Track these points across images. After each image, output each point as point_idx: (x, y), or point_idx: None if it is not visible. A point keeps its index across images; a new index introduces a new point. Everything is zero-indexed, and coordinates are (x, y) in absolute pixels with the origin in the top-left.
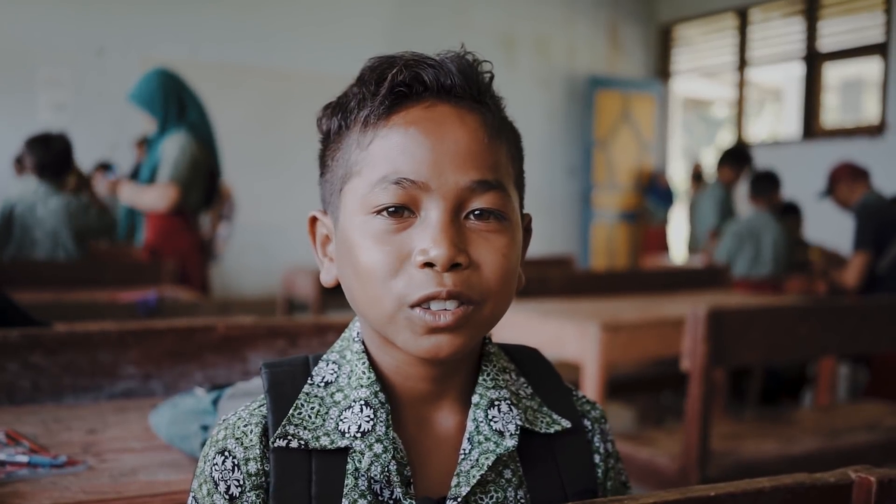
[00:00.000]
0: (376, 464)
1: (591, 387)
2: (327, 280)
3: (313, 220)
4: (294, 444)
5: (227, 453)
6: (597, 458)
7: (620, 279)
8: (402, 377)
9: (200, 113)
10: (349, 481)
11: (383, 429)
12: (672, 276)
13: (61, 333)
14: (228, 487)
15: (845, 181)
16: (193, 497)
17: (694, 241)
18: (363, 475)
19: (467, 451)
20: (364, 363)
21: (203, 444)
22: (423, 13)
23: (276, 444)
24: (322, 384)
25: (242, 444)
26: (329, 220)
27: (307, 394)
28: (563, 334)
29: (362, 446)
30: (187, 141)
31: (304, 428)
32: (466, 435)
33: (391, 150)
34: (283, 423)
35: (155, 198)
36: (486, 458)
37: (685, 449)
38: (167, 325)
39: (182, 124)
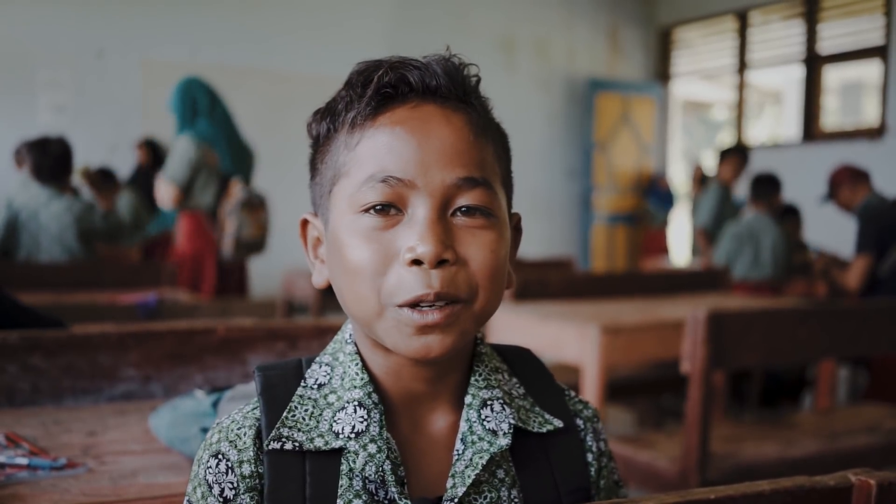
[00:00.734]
0: (371, 464)
1: (590, 389)
2: (319, 282)
3: (304, 222)
4: (288, 445)
5: (220, 456)
6: (590, 457)
7: (620, 282)
8: (395, 378)
9: (217, 118)
10: (344, 482)
11: (377, 429)
12: (672, 279)
13: (61, 335)
14: (222, 490)
15: (847, 184)
16: (188, 500)
17: (696, 244)
18: (357, 476)
19: (461, 452)
20: (357, 364)
21: None
22: (423, 16)
23: (270, 447)
24: (315, 386)
25: (236, 446)
26: (319, 222)
27: (300, 396)
28: (563, 337)
29: (356, 447)
30: (188, 144)
31: (298, 430)
32: (459, 435)
33: (378, 150)
34: (276, 425)
35: (158, 194)
36: (481, 458)
37: (685, 451)
38: (167, 327)
39: (189, 128)
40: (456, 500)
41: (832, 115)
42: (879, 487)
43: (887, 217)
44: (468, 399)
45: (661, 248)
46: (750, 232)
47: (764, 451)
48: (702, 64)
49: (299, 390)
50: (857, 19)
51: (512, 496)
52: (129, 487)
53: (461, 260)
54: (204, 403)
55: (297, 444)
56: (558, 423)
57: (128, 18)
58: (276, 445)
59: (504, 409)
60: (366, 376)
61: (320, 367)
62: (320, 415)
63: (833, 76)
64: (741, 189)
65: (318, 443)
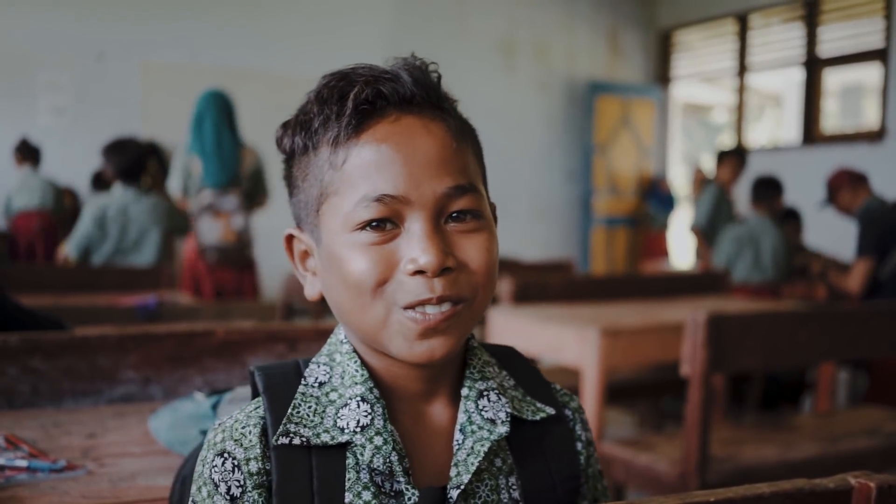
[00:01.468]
0: (378, 455)
1: (590, 392)
2: (311, 294)
3: (289, 237)
4: (297, 441)
5: (226, 455)
6: (579, 446)
7: (620, 284)
8: (393, 377)
9: (208, 135)
10: (351, 475)
11: (381, 422)
12: (672, 282)
13: (61, 338)
14: (229, 488)
15: (846, 188)
16: (192, 501)
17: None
18: (364, 468)
19: (461, 441)
20: (356, 362)
21: None
22: (423, 19)
23: (279, 442)
24: (316, 385)
25: (242, 444)
26: (306, 236)
27: (303, 394)
28: (563, 339)
29: (363, 440)
30: (184, 157)
31: (304, 426)
32: (458, 426)
33: (366, 169)
34: (283, 421)
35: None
36: (482, 446)
37: (685, 454)
38: (167, 329)
39: (188, 143)
40: (461, 487)
41: (832, 118)
42: (879, 490)
43: (888, 220)
44: (465, 391)
45: (662, 251)
46: (750, 235)
47: (764, 454)
48: (702, 66)
49: (301, 388)
50: (856, 22)
51: (510, 483)
52: (129, 489)
53: (461, 265)
54: (203, 406)
55: (304, 439)
56: (550, 411)
57: (128, 21)
58: (285, 441)
59: (500, 398)
60: (366, 373)
61: (318, 366)
62: (324, 412)
63: (833, 79)
64: (740, 191)
65: (325, 438)
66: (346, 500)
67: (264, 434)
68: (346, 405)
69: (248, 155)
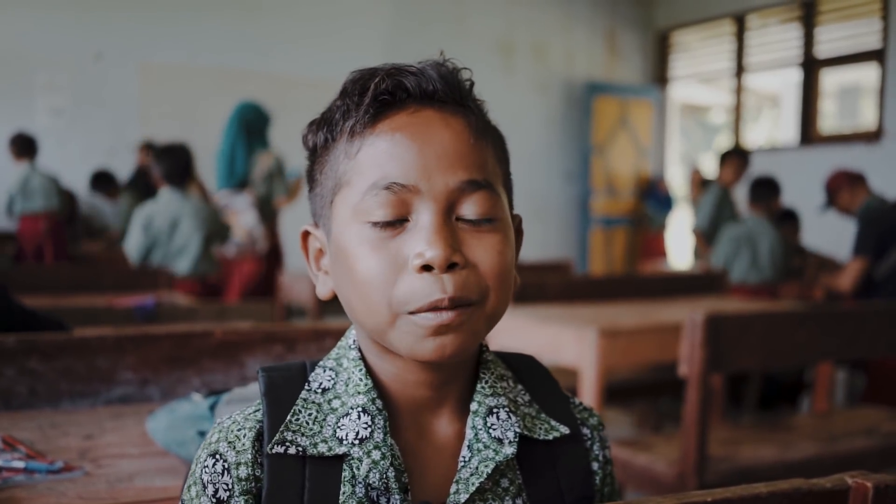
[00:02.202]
0: (374, 471)
1: (588, 392)
2: (323, 293)
3: (305, 234)
4: (292, 450)
5: (218, 456)
6: (595, 466)
7: (618, 285)
8: (401, 384)
9: (222, 142)
10: (346, 489)
11: (381, 435)
12: (670, 282)
13: (58, 339)
14: (216, 491)
15: (845, 188)
16: (181, 499)
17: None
18: (360, 483)
19: (467, 459)
20: (361, 370)
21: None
22: (421, 20)
23: (273, 451)
24: (319, 390)
25: (234, 448)
26: (321, 233)
27: (304, 400)
28: (561, 340)
29: (360, 453)
30: (256, 162)
31: (302, 434)
32: (466, 442)
33: (379, 157)
34: (280, 429)
35: None
36: (486, 466)
37: (683, 454)
38: (165, 330)
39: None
40: None
41: (829, 119)
42: (876, 490)
43: (888, 219)
44: (474, 406)
45: (660, 251)
46: (748, 235)
47: (761, 454)
48: (699, 67)
49: (303, 394)
50: (854, 23)
51: None
52: (126, 491)
53: (470, 263)
54: (201, 407)
55: (300, 448)
56: (564, 430)
57: (126, 22)
58: (280, 449)
59: (510, 417)
60: (370, 382)
61: (324, 371)
62: (324, 420)
63: (830, 80)
64: (741, 192)
65: (322, 448)
66: None
67: (258, 439)
68: (347, 415)
69: (265, 159)
